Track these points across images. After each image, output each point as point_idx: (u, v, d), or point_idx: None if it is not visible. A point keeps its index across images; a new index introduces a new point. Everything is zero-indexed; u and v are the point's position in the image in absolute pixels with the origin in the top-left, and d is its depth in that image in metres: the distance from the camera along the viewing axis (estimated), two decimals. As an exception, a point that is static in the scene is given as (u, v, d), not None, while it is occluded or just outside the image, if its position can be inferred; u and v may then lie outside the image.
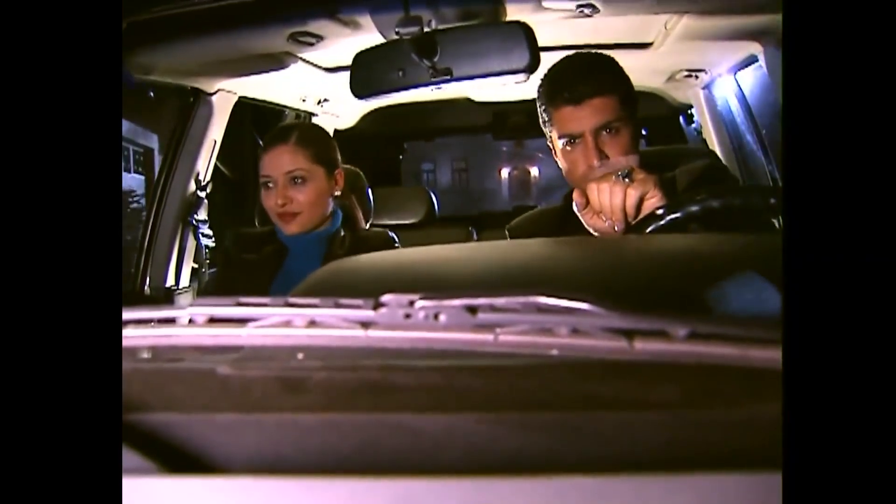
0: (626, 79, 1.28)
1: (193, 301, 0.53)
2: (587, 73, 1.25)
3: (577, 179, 1.25)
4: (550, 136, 1.30)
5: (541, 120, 1.31)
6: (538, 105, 1.31)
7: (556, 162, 1.31)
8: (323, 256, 1.46)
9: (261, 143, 2.45)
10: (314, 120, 2.41)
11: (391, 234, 1.61)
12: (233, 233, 1.68)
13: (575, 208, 1.18)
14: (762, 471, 0.33)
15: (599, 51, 1.34)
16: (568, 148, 1.26)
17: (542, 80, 1.30)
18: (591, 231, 1.19)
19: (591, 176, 1.18)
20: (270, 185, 1.48)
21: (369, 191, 1.87)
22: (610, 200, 1.07)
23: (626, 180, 1.06)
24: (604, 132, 1.22)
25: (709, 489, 0.32)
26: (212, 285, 1.86)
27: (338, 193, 1.55)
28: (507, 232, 1.48)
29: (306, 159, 1.48)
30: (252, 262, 1.53)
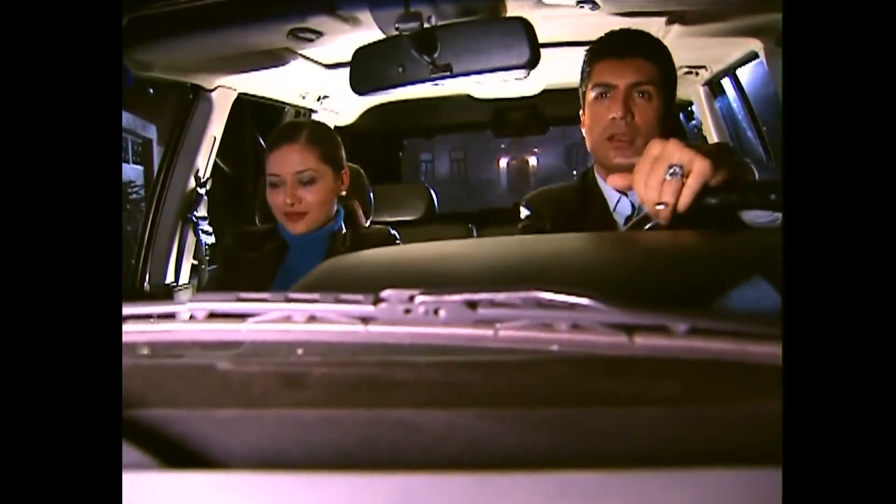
0: (672, 63, 1.32)
1: (193, 297, 0.53)
2: (638, 36, 1.31)
3: (596, 136, 1.29)
4: (583, 93, 1.34)
5: (580, 79, 1.36)
6: (583, 64, 1.35)
7: (581, 121, 1.36)
8: (324, 254, 1.46)
9: (261, 140, 2.46)
10: (314, 117, 2.40)
11: (392, 231, 1.61)
12: (233, 230, 1.68)
13: (608, 188, 1.22)
14: (762, 466, 0.33)
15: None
16: (598, 99, 1.29)
17: (595, 41, 1.36)
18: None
19: (616, 132, 1.24)
20: (278, 183, 1.47)
21: (370, 188, 1.87)
22: (659, 198, 0.89)
23: (680, 177, 0.86)
24: (637, 94, 1.26)
25: (709, 485, 0.32)
26: (213, 283, 1.87)
27: (343, 193, 1.55)
28: (523, 203, 1.48)
29: (315, 159, 1.48)
30: (253, 260, 1.53)
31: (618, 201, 1.33)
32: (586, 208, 1.36)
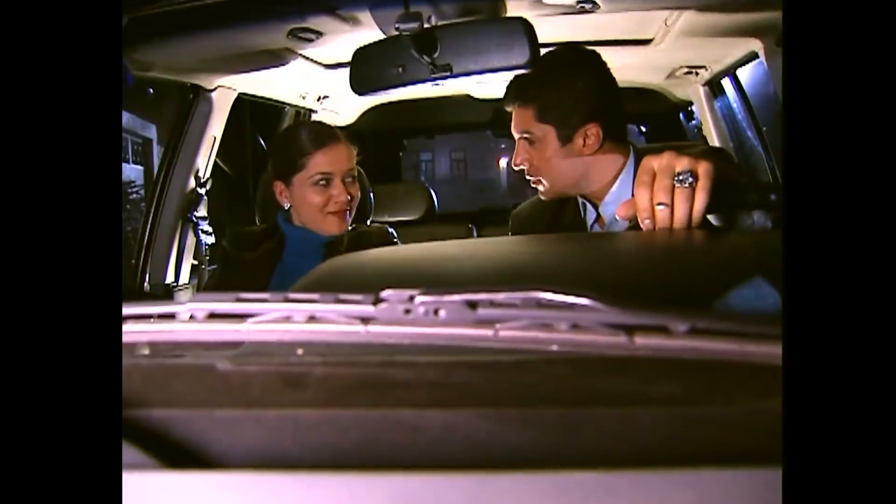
0: (562, 81, 1.30)
1: (193, 297, 0.53)
2: (513, 83, 1.35)
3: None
4: None
5: None
6: None
7: None
8: (322, 253, 1.46)
9: (262, 140, 2.46)
10: (314, 117, 2.41)
11: (390, 229, 1.61)
12: (229, 232, 1.67)
13: (619, 221, 1.20)
14: (762, 466, 0.33)
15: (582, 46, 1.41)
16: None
17: None
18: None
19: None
20: (326, 181, 1.47)
21: (370, 188, 1.87)
22: (671, 214, 0.81)
23: (689, 183, 0.80)
24: (525, 141, 1.34)
25: (709, 485, 0.32)
26: (212, 284, 1.86)
27: None
28: (510, 218, 1.61)
29: (354, 157, 1.52)
30: (250, 260, 1.53)
31: (584, 207, 1.41)
32: (562, 215, 1.44)
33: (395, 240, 1.58)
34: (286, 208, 1.54)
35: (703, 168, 0.79)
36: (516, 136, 1.36)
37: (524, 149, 1.35)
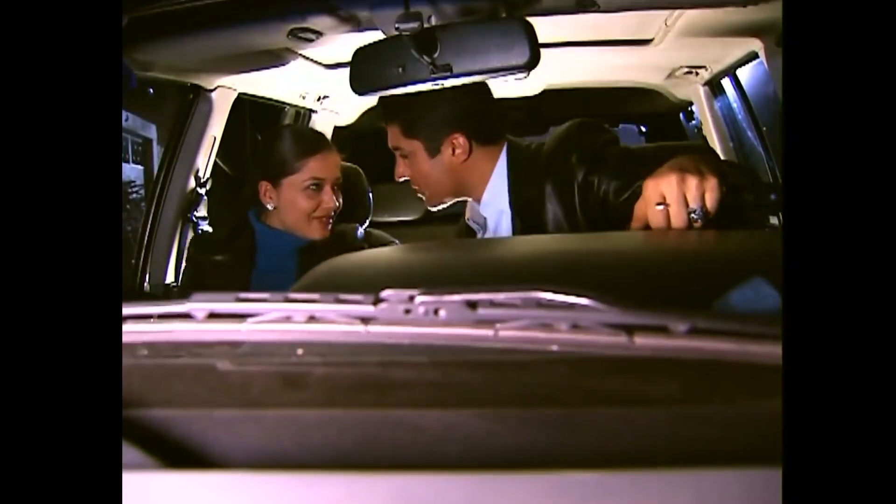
0: (420, 100, 1.28)
1: (193, 297, 0.53)
2: (390, 101, 1.38)
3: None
4: None
5: None
6: None
7: None
8: (296, 256, 1.48)
9: (259, 138, 2.45)
10: (314, 117, 2.40)
11: (359, 227, 1.63)
12: (193, 238, 1.69)
13: (502, 224, 1.32)
14: (762, 466, 0.33)
15: None
16: None
17: None
18: None
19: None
20: (317, 187, 1.49)
21: (369, 188, 1.88)
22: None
23: (702, 217, 0.86)
24: (400, 156, 1.39)
25: (709, 485, 0.32)
26: (185, 283, 1.85)
27: None
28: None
29: (340, 167, 1.55)
30: (223, 262, 1.55)
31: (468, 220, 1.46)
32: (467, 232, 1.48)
33: (361, 240, 1.60)
34: (269, 209, 1.54)
35: (711, 198, 0.84)
36: (392, 149, 1.39)
37: (401, 163, 1.39)
